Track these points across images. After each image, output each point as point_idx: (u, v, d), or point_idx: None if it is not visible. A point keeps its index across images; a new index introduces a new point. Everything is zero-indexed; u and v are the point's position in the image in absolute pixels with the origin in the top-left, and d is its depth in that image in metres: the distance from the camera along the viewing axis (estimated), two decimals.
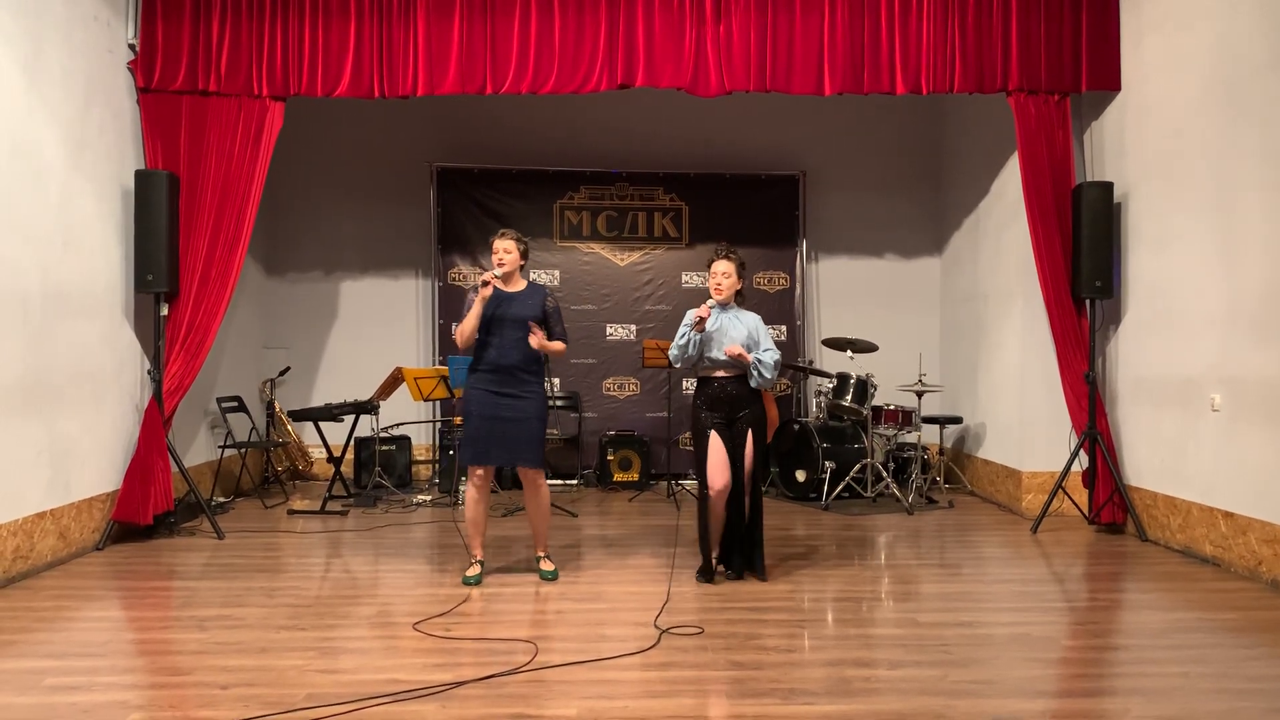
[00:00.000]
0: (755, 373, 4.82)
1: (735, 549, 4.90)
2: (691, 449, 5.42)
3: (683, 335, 4.80)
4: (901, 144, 8.84)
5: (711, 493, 4.78)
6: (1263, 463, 4.91)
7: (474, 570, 4.89)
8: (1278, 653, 3.80)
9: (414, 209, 8.54)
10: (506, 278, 4.86)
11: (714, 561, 4.89)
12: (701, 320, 4.75)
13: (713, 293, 4.88)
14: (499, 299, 4.80)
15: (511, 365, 4.79)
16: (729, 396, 4.84)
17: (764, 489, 7.67)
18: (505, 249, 4.86)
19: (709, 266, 4.97)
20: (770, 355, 4.83)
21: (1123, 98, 6.23)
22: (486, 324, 4.78)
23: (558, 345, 4.91)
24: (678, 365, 4.90)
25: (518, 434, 4.77)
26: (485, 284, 4.71)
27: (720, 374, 4.85)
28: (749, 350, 4.80)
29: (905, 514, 6.82)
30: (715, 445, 4.79)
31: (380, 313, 8.60)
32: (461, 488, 7.16)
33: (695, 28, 6.10)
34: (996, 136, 7.24)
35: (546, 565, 4.98)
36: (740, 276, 4.94)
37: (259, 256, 8.28)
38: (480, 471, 4.84)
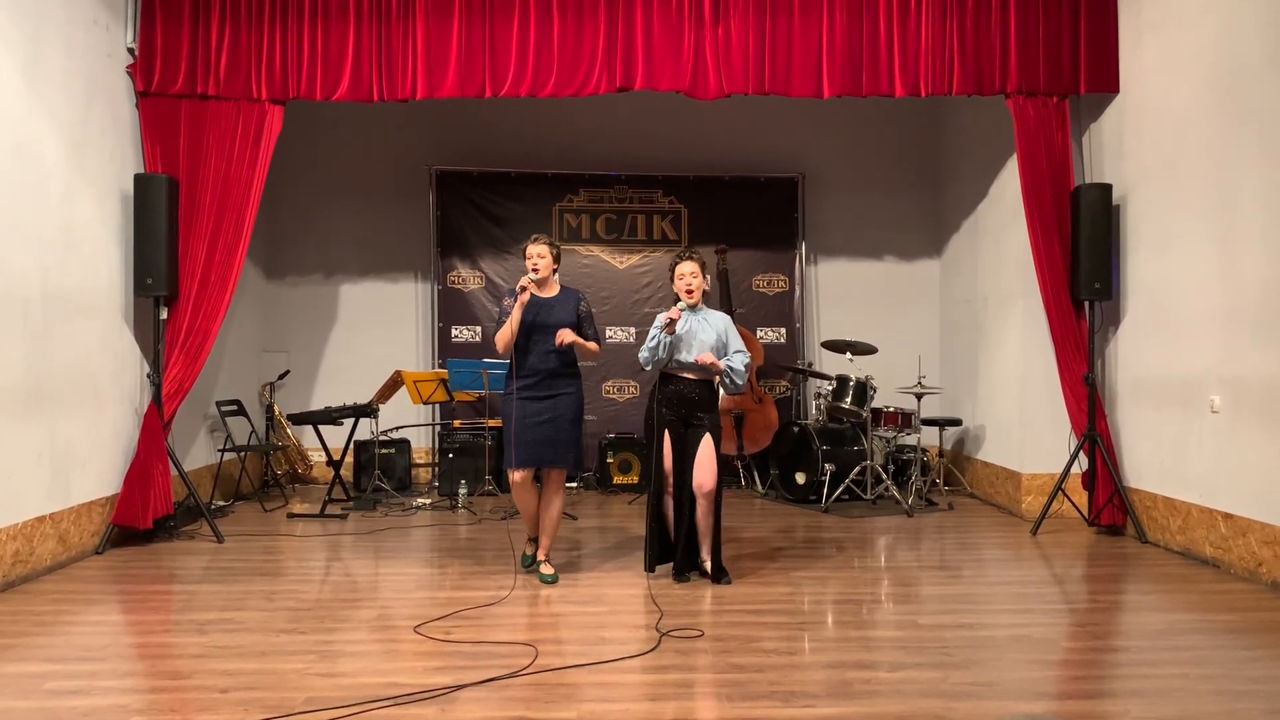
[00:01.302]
0: (727, 380, 4.85)
1: (686, 550, 4.92)
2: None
3: (654, 338, 4.80)
4: (900, 146, 8.85)
5: (665, 490, 4.86)
6: (1262, 464, 4.91)
7: (531, 549, 5.11)
8: (1277, 654, 3.80)
9: (413, 212, 8.54)
10: (541, 283, 4.86)
11: (660, 555, 4.95)
12: (672, 323, 4.75)
13: (684, 296, 4.87)
14: (536, 305, 4.82)
15: (552, 369, 4.84)
16: (690, 399, 4.86)
17: (763, 490, 7.77)
18: (539, 254, 4.86)
19: (671, 271, 4.97)
20: (740, 358, 4.88)
21: (1121, 99, 6.24)
22: (525, 330, 4.80)
23: (593, 345, 4.95)
24: (648, 368, 4.91)
25: (554, 435, 4.83)
26: (523, 289, 4.73)
27: (686, 375, 4.87)
28: (719, 355, 4.82)
29: (905, 516, 6.82)
30: (667, 445, 4.84)
31: (379, 316, 8.60)
32: (462, 491, 7.16)
33: (694, 30, 6.10)
34: (995, 138, 7.25)
35: (547, 569, 4.98)
36: (704, 276, 4.95)
37: (258, 260, 8.28)
38: (518, 475, 4.85)
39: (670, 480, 4.86)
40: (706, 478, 4.79)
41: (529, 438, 4.78)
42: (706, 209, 8.60)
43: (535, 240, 4.92)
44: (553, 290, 4.94)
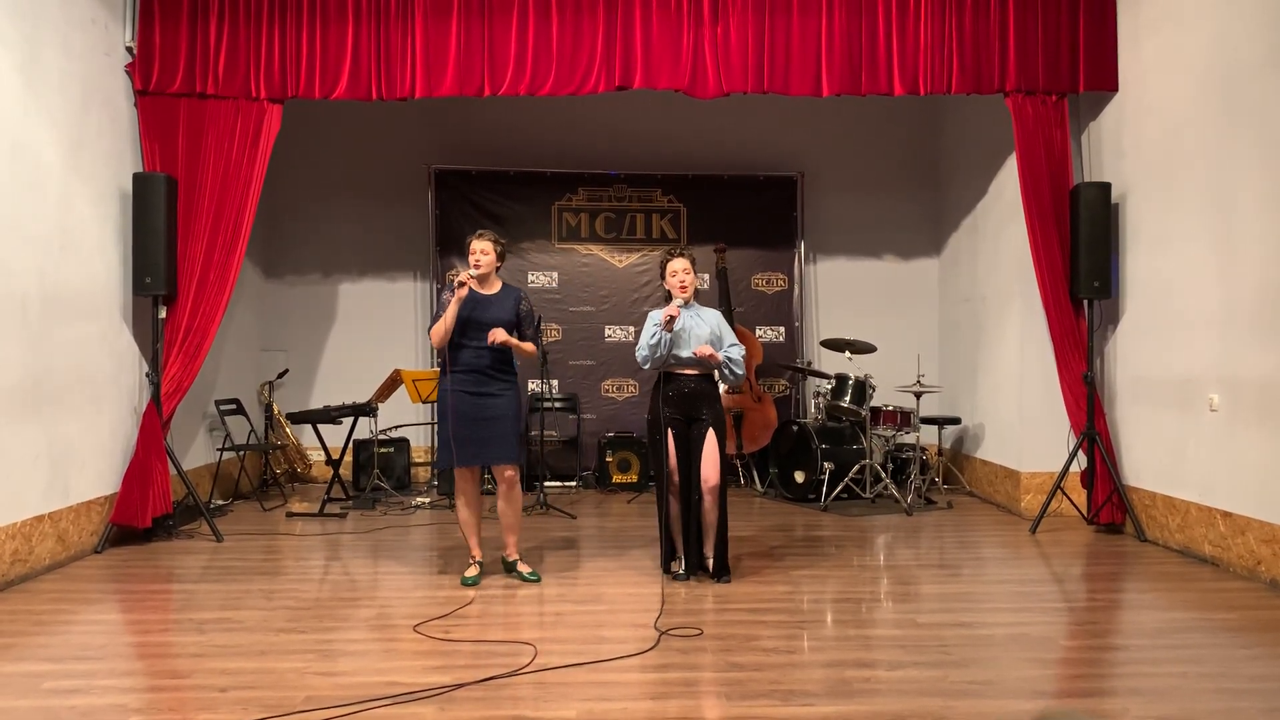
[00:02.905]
0: (726, 371, 4.86)
1: (692, 547, 4.93)
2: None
3: (654, 336, 4.79)
4: (899, 145, 8.85)
5: (670, 489, 4.86)
6: (1261, 462, 4.91)
7: (472, 571, 4.90)
8: (1276, 652, 3.80)
9: (412, 211, 8.54)
10: (483, 279, 4.81)
11: (676, 554, 4.96)
12: (672, 320, 4.75)
13: (678, 292, 4.86)
14: (474, 301, 4.76)
15: (485, 366, 4.78)
16: (691, 395, 4.86)
17: (762, 489, 7.77)
18: (482, 249, 4.80)
19: (662, 268, 4.96)
20: (736, 351, 4.89)
21: (1120, 98, 6.24)
22: (461, 326, 4.74)
23: (528, 346, 4.85)
24: (646, 367, 4.89)
25: (491, 433, 4.75)
26: (462, 284, 4.67)
27: (686, 372, 4.87)
28: (716, 348, 4.83)
29: (904, 515, 6.82)
30: (671, 444, 4.84)
31: (378, 315, 8.60)
32: None
33: (693, 29, 6.10)
34: (994, 137, 7.25)
35: (524, 567, 4.95)
36: (694, 272, 4.96)
37: (257, 259, 8.28)
38: (465, 472, 4.85)
39: (676, 478, 4.86)
40: (711, 473, 4.79)
41: (469, 435, 4.72)
42: (705, 208, 8.60)
43: (480, 236, 4.86)
44: (494, 287, 4.88)
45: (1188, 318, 5.52)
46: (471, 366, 4.77)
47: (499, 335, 4.68)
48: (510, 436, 4.81)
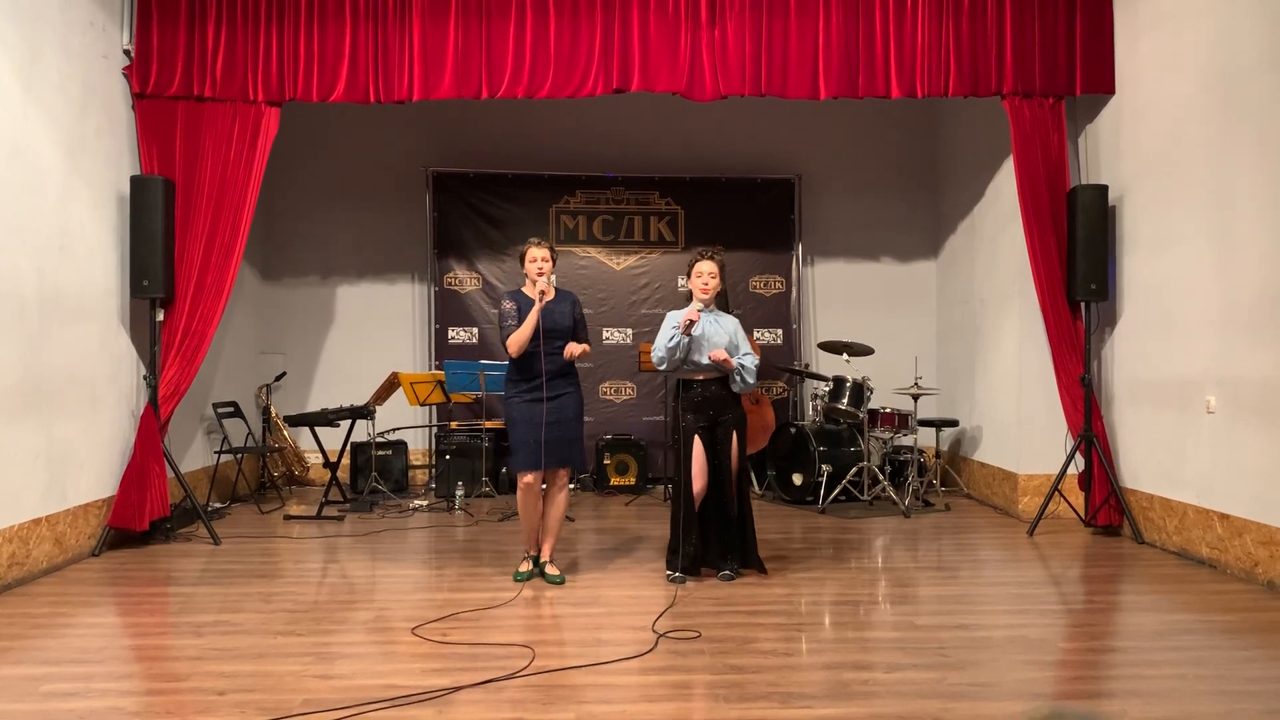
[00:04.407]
0: (738, 378, 4.89)
1: (717, 546, 4.99)
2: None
3: (672, 339, 4.82)
4: (897, 147, 8.86)
5: (694, 495, 4.86)
6: (1259, 464, 4.92)
7: (525, 566, 5.02)
8: (1274, 654, 3.80)
9: (410, 214, 8.54)
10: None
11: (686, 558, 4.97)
12: (691, 323, 4.76)
13: (699, 294, 4.88)
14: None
15: (553, 371, 4.86)
16: (711, 399, 4.90)
17: (760, 492, 7.77)
18: (543, 257, 4.89)
19: (690, 268, 4.98)
20: (750, 360, 4.92)
21: (1118, 100, 6.25)
22: None
23: (584, 348, 4.97)
24: (662, 368, 4.93)
25: (562, 435, 4.85)
26: (543, 294, 4.79)
27: (702, 377, 4.90)
28: (731, 355, 4.84)
29: (902, 517, 6.82)
30: (698, 450, 4.86)
31: (376, 318, 8.59)
32: (459, 493, 7.16)
33: (690, 32, 6.11)
34: (992, 140, 7.26)
35: (552, 570, 4.99)
36: (722, 278, 4.96)
37: (255, 262, 8.27)
38: (530, 478, 4.87)
39: (701, 482, 4.87)
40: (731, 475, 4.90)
41: (543, 438, 4.79)
42: (703, 210, 8.61)
43: (539, 244, 4.93)
44: (551, 292, 4.96)
45: (1185, 319, 5.53)
46: (537, 372, 4.85)
47: (574, 350, 4.84)
48: (577, 439, 4.95)
